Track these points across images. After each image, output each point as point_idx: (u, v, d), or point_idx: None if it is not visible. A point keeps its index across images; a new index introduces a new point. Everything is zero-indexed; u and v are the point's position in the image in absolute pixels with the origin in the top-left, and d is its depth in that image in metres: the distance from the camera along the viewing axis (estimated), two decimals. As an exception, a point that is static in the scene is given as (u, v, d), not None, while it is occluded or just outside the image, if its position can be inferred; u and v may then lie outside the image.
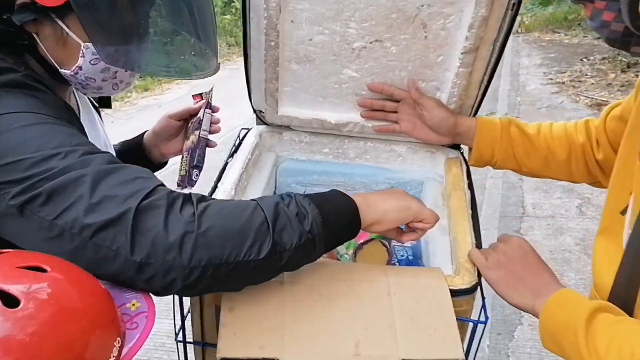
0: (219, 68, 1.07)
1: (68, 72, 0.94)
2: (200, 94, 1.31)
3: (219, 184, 1.29)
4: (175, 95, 8.51)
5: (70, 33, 0.90)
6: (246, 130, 1.55)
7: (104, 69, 0.95)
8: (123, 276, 0.75)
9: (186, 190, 1.20)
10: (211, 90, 1.30)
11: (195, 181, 1.25)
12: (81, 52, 0.91)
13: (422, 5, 1.22)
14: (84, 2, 0.85)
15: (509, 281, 1.03)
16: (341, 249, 1.33)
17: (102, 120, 1.25)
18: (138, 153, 1.34)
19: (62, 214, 0.73)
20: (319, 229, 0.85)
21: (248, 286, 0.88)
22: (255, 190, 1.39)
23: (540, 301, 0.96)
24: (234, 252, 0.77)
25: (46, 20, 0.89)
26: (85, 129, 1.08)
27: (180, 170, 1.26)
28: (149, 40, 0.96)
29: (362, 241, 1.26)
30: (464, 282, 1.02)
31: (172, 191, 0.79)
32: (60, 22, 0.89)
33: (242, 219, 0.79)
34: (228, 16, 11.11)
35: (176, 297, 0.96)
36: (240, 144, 1.48)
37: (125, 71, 0.98)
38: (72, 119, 0.92)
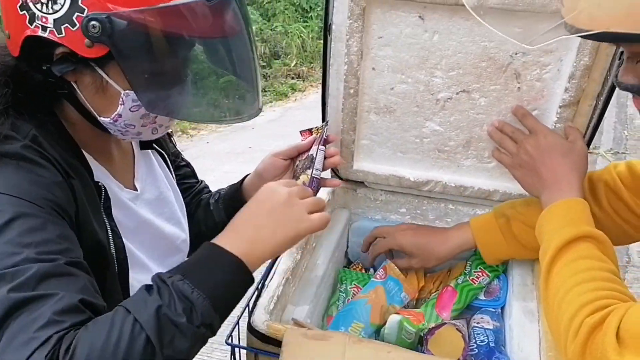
0: (260, 111, 1.00)
1: (107, 119, 0.91)
2: (310, 130, 1.17)
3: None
4: (269, 118, 8.65)
5: (110, 81, 0.87)
6: (319, 183, 1.44)
7: (143, 115, 0.91)
8: None
9: None
10: (326, 123, 1.18)
11: None
12: (121, 99, 0.88)
13: (516, 54, 1.09)
14: (126, 52, 0.83)
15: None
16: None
17: (167, 163, 1.20)
18: (238, 200, 1.22)
19: None
20: (211, 316, 0.75)
21: None
22: (325, 252, 1.28)
23: (546, 197, 1.00)
24: None
25: (86, 70, 0.87)
26: (139, 174, 1.09)
27: None
28: (188, 86, 0.93)
29: (432, 326, 1.10)
30: (553, 391, 0.85)
31: (57, 342, 0.68)
32: (100, 71, 0.86)
33: (120, 354, 0.68)
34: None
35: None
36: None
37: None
38: (70, 191, 0.86)
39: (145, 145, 1.13)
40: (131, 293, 0.95)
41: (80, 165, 0.92)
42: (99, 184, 0.94)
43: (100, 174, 0.97)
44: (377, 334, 1.14)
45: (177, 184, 1.22)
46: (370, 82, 1.21)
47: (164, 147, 1.19)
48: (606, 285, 0.80)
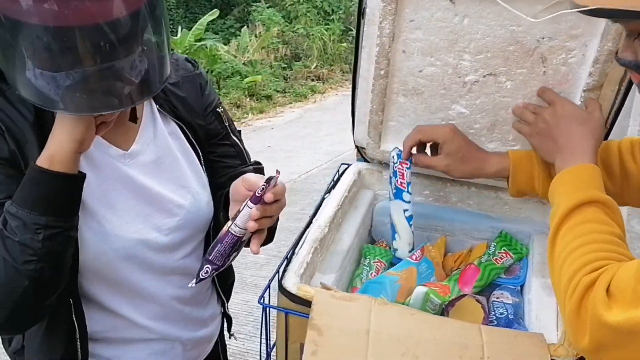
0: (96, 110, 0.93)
1: None
2: (278, 174, 1.00)
3: (313, 220, 1.24)
4: (288, 118, 8.75)
5: None
6: (346, 166, 1.50)
7: None
8: None
9: (192, 284, 1.02)
10: (270, 178, 0.98)
11: (203, 279, 1.02)
12: None
13: (543, 38, 1.13)
14: None
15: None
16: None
17: (188, 134, 1.20)
18: (225, 207, 1.19)
19: None
20: (44, 220, 0.92)
21: (333, 330, 0.90)
22: (350, 228, 1.33)
23: (560, 162, 1.01)
24: (13, 304, 0.95)
25: None
26: (142, 137, 1.13)
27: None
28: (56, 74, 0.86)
29: (453, 297, 1.14)
30: (569, 353, 0.90)
31: None
32: None
33: None
34: (344, 44, 11.41)
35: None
36: (338, 179, 1.42)
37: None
38: (11, 143, 0.98)
39: (131, 117, 1.12)
40: (82, 237, 1.04)
41: (32, 116, 0.99)
42: None
43: None
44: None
45: (213, 161, 1.26)
46: (400, 65, 1.25)
47: (194, 119, 1.21)
48: (607, 247, 0.83)
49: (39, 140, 0.98)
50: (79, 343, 1.11)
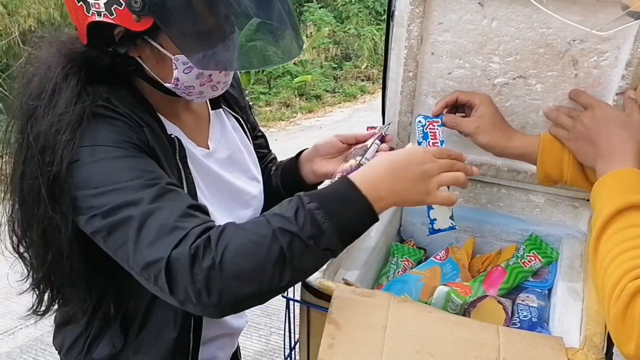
0: (302, 48, 1.07)
1: (170, 85, 1.01)
2: (375, 127, 1.25)
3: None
4: (337, 118, 8.79)
5: (162, 50, 0.97)
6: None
7: (198, 75, 1.00)
8: (173, 304, 0.88)
9: None
10: (389, 124, 1.27)
11: None
12: (174, 64, 0.98)
13: (574, 40, 1.12)
14: (168, 19, 0.92)
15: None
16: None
17: (244, 126, 1.29)
18: (293, 169, 1.33)
19: (118, 250, 0.90)
20: (335, 244, 0.88)
21: (350, 325, 0.92)
22: (378, 226, 1.33)
23: (601, 166, 1.00)
24: (256, 288, 0.85)
25: (144, 43, 0.97)
26: (213, 135, 1.19)
27: None
28: (232, 38, 0.98)
29: (475, 298, 1.14)
30: (588, 358, 0.89)
31: (198, 235, 0.86)
32: (153, 42, 0.96)
33: (260, 256, 0.84)
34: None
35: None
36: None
37: (219, 72, 1.03)
38: (145, 137, 0.99)
39: (214, 104, 1.22)
40: None
41: (152, 120, 1.03)
42: (172, 136, 1.05)
43: (174, 131, 1.08)
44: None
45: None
46: (428, 67, 1.26)
47: (242, 113, 1.29)
48: None
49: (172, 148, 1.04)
50: (191, 341, 1.14)
